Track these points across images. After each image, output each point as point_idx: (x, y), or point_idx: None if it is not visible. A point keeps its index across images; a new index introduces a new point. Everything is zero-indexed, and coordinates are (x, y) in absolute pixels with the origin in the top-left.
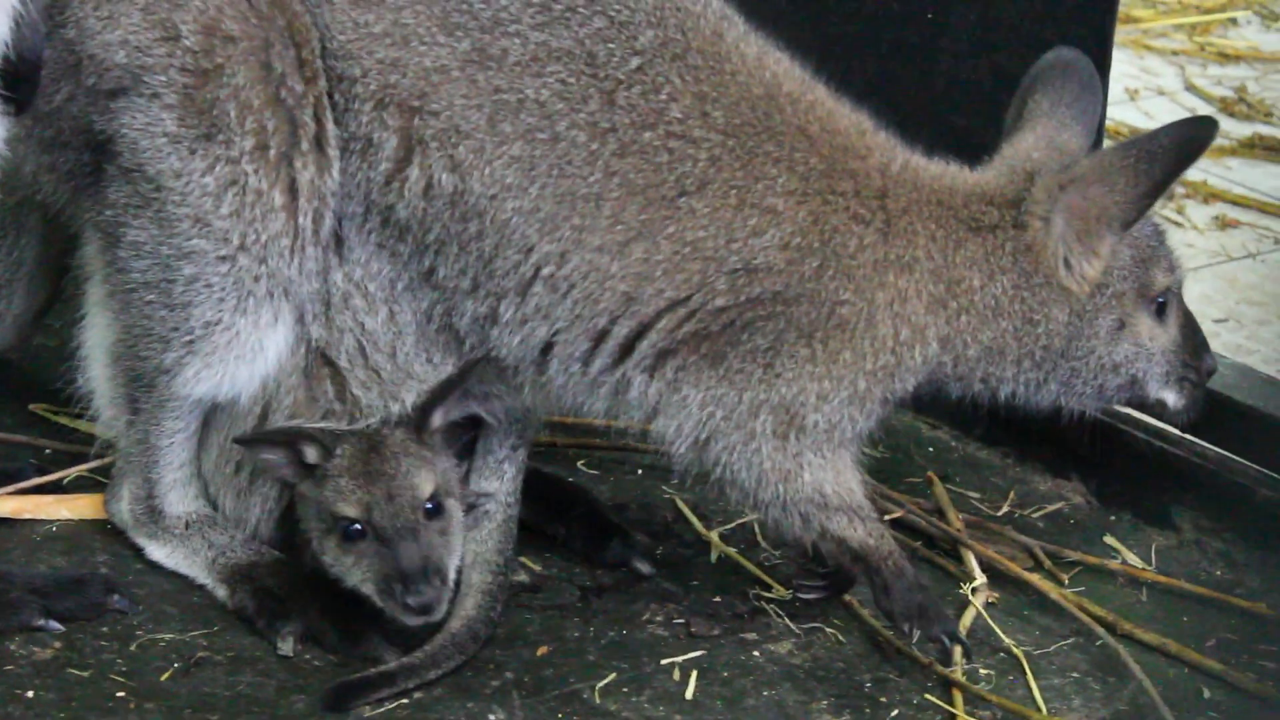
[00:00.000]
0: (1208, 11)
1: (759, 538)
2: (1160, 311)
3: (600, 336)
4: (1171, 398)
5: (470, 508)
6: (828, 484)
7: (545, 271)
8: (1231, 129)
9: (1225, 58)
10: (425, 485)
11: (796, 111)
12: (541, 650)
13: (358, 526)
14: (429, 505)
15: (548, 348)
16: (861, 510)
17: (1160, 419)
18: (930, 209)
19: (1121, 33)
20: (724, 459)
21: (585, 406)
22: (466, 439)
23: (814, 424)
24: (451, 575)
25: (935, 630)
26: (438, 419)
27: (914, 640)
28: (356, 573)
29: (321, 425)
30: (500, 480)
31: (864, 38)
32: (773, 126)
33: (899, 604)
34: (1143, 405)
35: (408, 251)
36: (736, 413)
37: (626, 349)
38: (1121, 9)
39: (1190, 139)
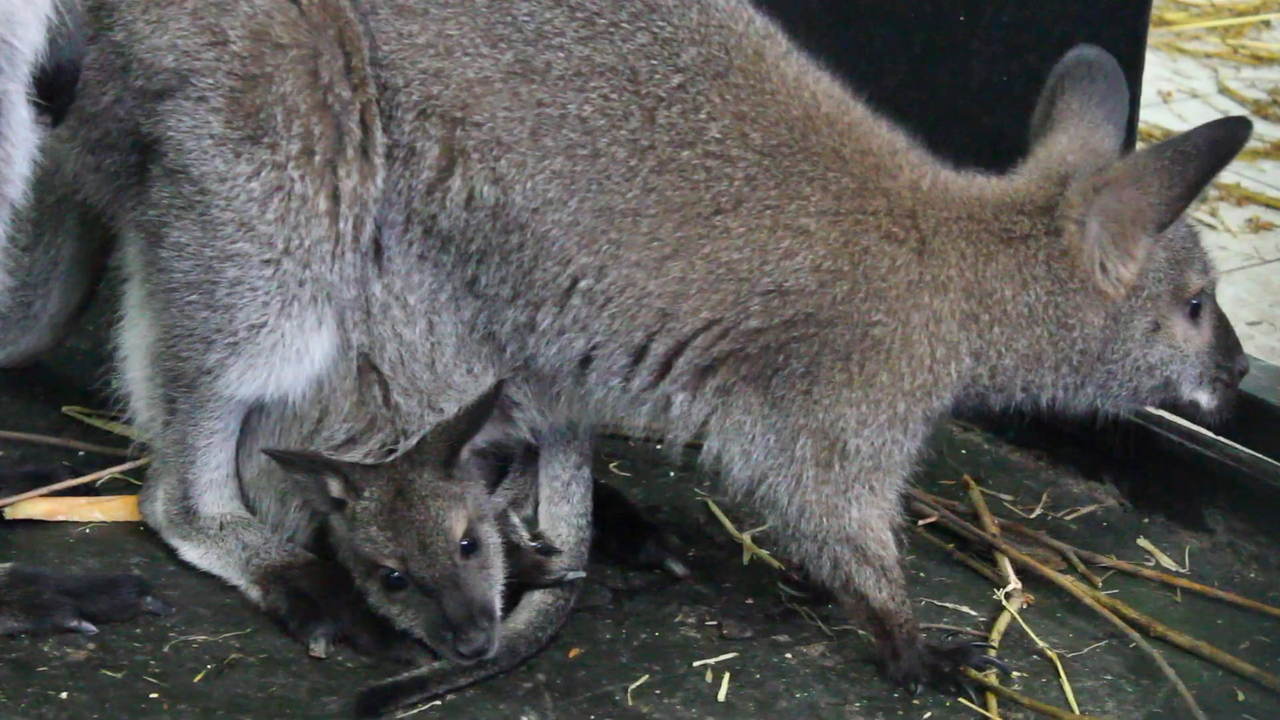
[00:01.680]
0: (1241, 14)
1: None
2: (1194, 313)
3: (639, 353)
4: (1205, 399)
5: (545, 552)
6: (872, 523)
7: (583, 284)
8: (1265, 131)
9: (1259, 60)
10: (457, 526)
11: (833, 133)
12: (573, 652)
13: (398, 575)
14: (464, 544)
15: (586, 361)
16: (890, 571)
17: (1193, 420)
18: (961, 225)
19: (1154, 35)
20: (769, 484)
21: (627, 421)
22: (513, 462)
23: (855, 449)
24: (498, 607)
25: (949, 685)
26: (465, 454)
27: (916, 694)
28: (404, 620)
29: (350, 460)
30: (569, 503)
31: (896, 40)
32: (809, 147)
33: (904, 671)
34: (1176, 406)
35: (450, 262)
36: (781, 438)
37: (665, 367)
38: (1154, 11)
39: (1225, 139)
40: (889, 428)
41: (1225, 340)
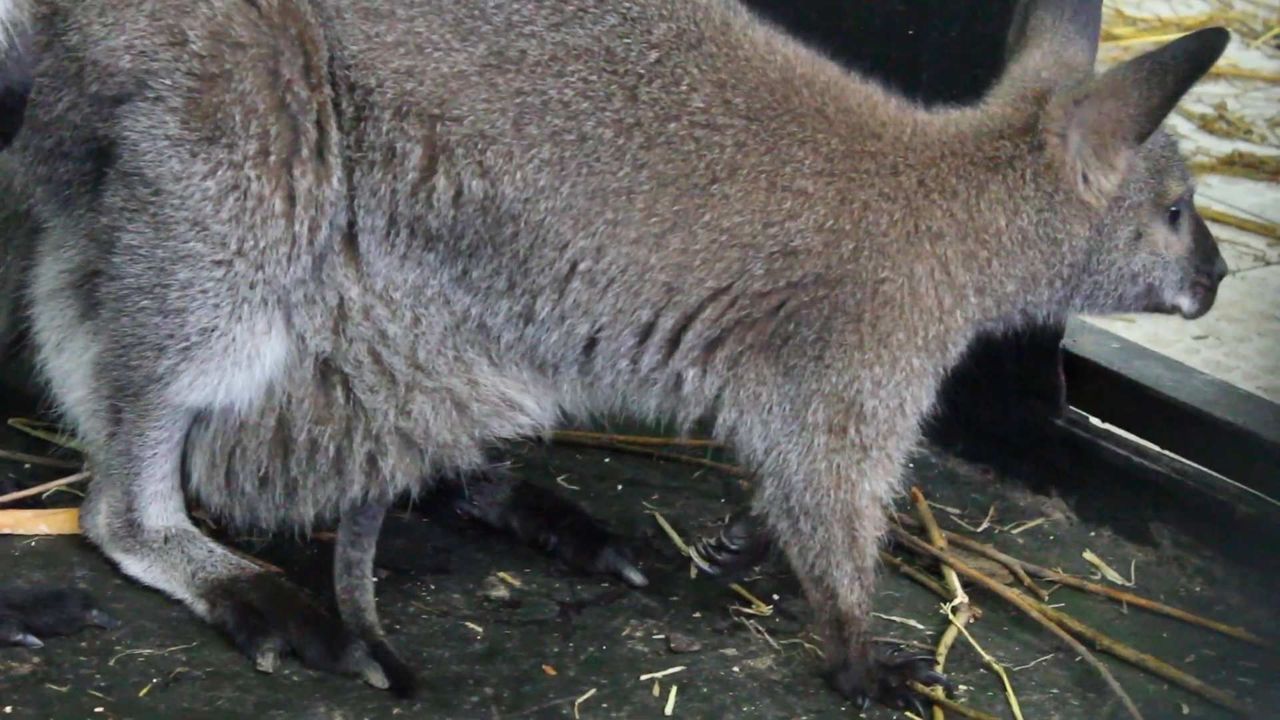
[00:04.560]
0: (1188, 29)
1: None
2: (1174, 220)
3: (645, 331)
4: (1186, 303)
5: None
6: (882, 496)
7: (582, 267)
8: (1211, 146)
9: (1205, 75)
10: None
11: (813, 93)
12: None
13: None
14: None
15: (591, 345)
16: (867, 575)
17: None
18: (947, 165)
19: (1103, 50)
20: (779, 451)
21: (636, 405)
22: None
23: (873, 412)
24: None
25: (897, 700)
26: None
27: (863, 708)
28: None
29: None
30: None
31: (845, 54)
32: (793, 109)
33: (852, 683)
34: (1159, 309)
35: (437, 259)
36: (794, 405)
37: (674, 342)
38: (1103, 26)
39: (1201, 50)
40: (906, 386)
41: (1204, 244)
